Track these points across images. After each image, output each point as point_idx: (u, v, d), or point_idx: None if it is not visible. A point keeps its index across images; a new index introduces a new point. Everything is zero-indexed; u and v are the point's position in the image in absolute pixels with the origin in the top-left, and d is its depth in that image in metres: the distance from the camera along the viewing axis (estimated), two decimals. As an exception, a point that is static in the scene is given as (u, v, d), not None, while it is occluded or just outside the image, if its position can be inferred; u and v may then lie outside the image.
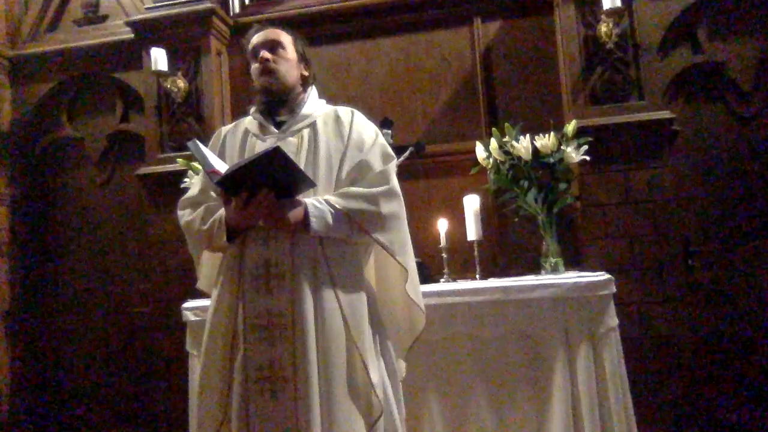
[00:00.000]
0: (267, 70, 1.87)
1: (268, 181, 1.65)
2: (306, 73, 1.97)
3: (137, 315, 3.87)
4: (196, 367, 2.88)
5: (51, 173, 4.23)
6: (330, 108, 1.96)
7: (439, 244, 3.06)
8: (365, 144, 1.86)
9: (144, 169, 3.74)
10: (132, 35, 3.86)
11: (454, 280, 2.98)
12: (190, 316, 2.90)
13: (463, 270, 3.30)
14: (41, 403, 4.05)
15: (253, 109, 1.97)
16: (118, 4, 4.13)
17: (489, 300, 2.60)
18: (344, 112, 1.93)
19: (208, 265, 1.96)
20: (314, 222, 1.70)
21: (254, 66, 1.92)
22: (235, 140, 1.92)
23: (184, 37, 3.74)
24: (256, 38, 1.94)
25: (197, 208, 1.87)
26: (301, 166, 1.75)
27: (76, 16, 4.20)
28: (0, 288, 3.99)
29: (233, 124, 2.01)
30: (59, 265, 4.15)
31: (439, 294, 2.65)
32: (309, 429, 1.61)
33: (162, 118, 3.76)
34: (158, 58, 3.54)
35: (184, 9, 3.73)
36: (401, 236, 1.84)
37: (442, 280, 2.96)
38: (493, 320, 2.59)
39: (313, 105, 1.95)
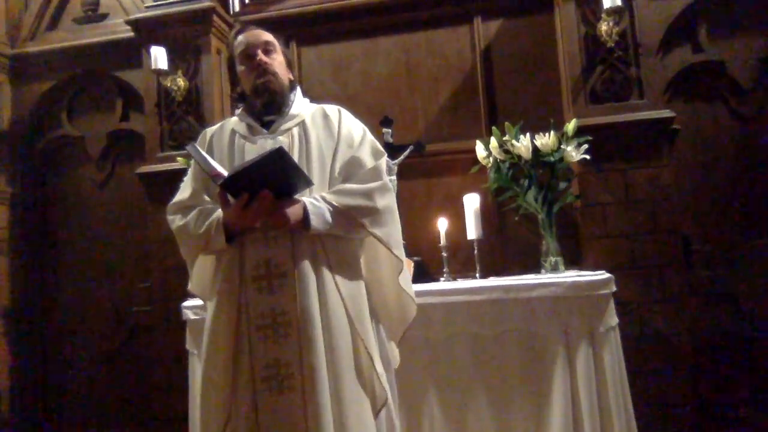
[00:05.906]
0: (267, 70, 1.86)
1: (267, 182, 1.64)
2: (291, 77, 1.97)
3: (137, 314, 3.86)
4: (196, 366, 2.88)
5: (51, 172, 4.22)
6: (316, 106, 1.95)
7: (439, 243, 3.06)
8: (355, 140, 1.87)
9: (144, 168, 3.73)
10: (132, 34, 3.85)
11: (454, 278, 2.98)
12: (189, 315, 2.91)
13: (463, 269, 3.30)
14: (41, 403, 4.05)
15: (239, 111, 1.96)
16: (117, 2, 4.12)
17: (489, 299, 2.60)
18: (332, 109, 1.94)
19: (200, 268, 1.93)
20: (314, 220, 1.70)
21: (244, 68, 1.89)
22: (222, 142, 1.90)
23: (184, 35, 3.73)
24: (246, 38, 1.91)
25: (188, 212, 1.84)
26: None
27: (75, 15, 4.19)
28: (-1, 286, 4.00)
29: (218, 125, 1.98)
30: (59, 263, 4.14)
31: (439, 293, 2.65)
32: (318, 421, 1.62)
33: (162, 117, 3.74)
34: (158, 56, 3.53)
35: (184, 7, 3.71)
36: (396, 230, 1.86)
37: (442, 279, 2.96)
38: (493, 319, 2.59)
39: (300, 104, 1.94)
